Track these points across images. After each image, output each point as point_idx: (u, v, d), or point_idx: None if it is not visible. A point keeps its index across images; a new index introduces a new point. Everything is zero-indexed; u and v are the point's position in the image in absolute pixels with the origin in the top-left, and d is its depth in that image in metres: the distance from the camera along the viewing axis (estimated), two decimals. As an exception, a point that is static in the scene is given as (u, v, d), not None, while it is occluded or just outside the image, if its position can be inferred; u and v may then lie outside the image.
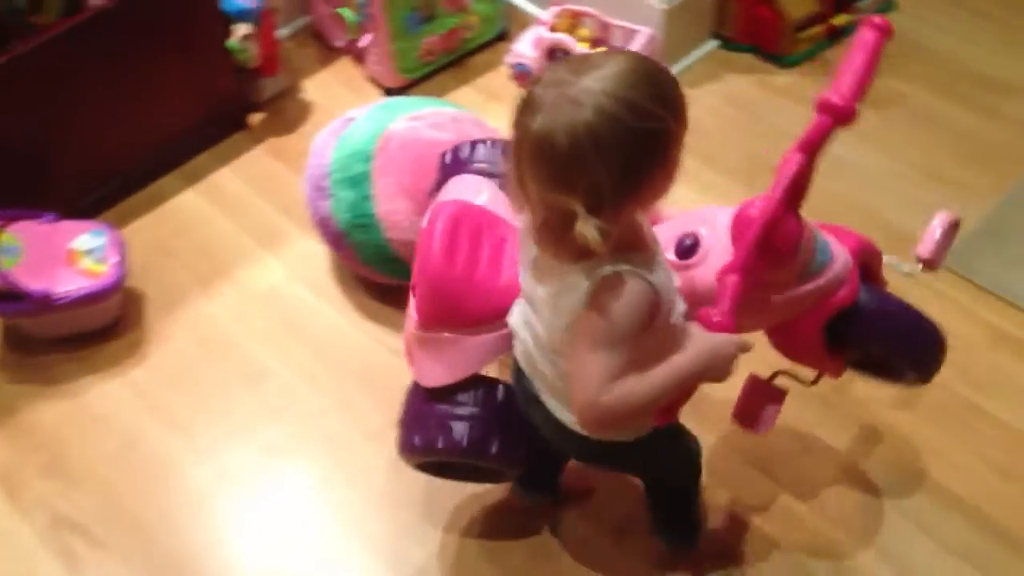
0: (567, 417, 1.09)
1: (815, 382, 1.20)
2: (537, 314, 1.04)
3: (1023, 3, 2.06)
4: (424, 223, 1.22)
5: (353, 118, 1.56)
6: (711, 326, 0.99)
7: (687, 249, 1.13)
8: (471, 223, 1.19)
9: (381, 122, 1.50)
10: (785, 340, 1.07)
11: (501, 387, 1.23)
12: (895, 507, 1.35)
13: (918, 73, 1.95)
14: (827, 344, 1.17)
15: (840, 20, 1.98)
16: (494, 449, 1.21)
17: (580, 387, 0.96)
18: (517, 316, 1.11)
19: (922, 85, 1.93)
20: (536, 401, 1.13)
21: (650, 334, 0.95)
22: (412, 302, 1.23)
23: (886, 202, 1.72)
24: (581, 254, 0.93)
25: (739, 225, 1.04)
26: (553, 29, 1.94)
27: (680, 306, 1.00)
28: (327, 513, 1.39)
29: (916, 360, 1.22)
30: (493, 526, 1.36)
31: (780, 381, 1.24)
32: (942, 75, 1.95)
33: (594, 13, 1.94)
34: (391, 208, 1.46)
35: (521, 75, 1.97)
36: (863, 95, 0.99)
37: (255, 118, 1.94)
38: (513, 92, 2.00)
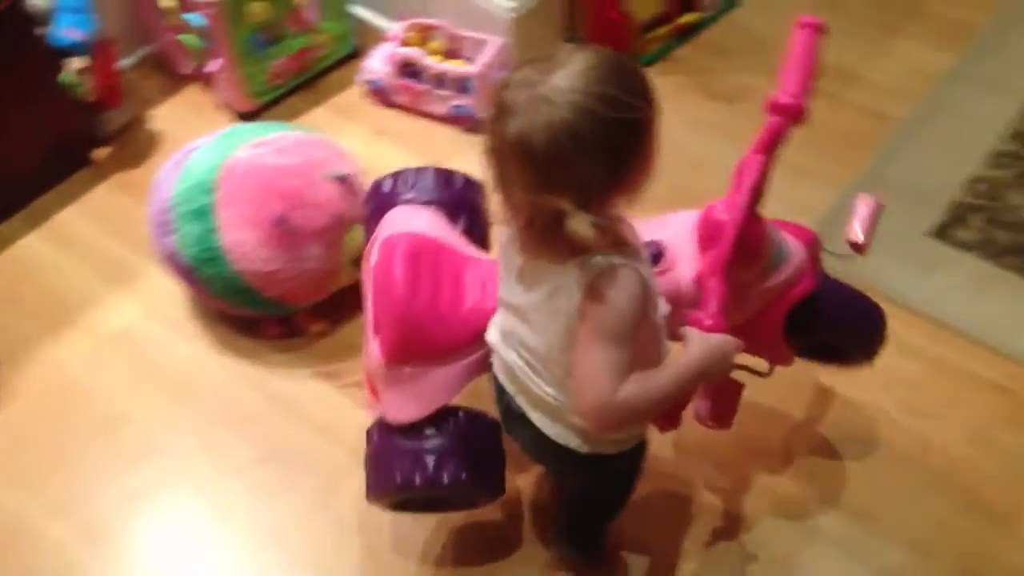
0: (554, 431, 1.07)
1: (769, 373, 1.22)
2: (527, 324, 1.02)
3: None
4: (373, 259, 1.20)
5: (196, 148, 1.51)
6: (705, 329, 1.01)
7: (654, 257, 1.12)
8: (427, 253, 1.18)
9: (223, 151, 1.46)
10: (747, 335, 1.09)
11: (462, 413, 1.21)
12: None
13: (762, 65, 1.97)
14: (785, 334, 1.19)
15: (687, 18, 2.01)
16: (473, 479, 1.19)
17: (591, 385, 0.94)
18: (495, 333, 1.10)
19: (767, 77, 1.94)
20: (519, 418, 1.10)
21: (639, 331, 0.96)
22: (372, 339, 1.19)
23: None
24: (572, 252, 0.92)
25: (708, 229, 1.07)
26: (404, 44, 1.92)
27: (663, 307, 1.02)
28: (200, 552, 1.35)
29: (864, 342, 1.29)
30: (390, 555, 1.34)
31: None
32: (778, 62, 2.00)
33: (444, 25, 1.93)
34: (237, 239, 1.42)
35: (375, 91, 1.95)
36: (810, 92, 1.03)
37: (101, 153, 1.87)
38: (368, 110, 1.99)
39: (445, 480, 1.18)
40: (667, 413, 1.02)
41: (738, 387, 1.13)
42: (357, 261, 1.37)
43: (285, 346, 1.57)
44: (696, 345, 0.99)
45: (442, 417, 1.19)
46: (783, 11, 2.15)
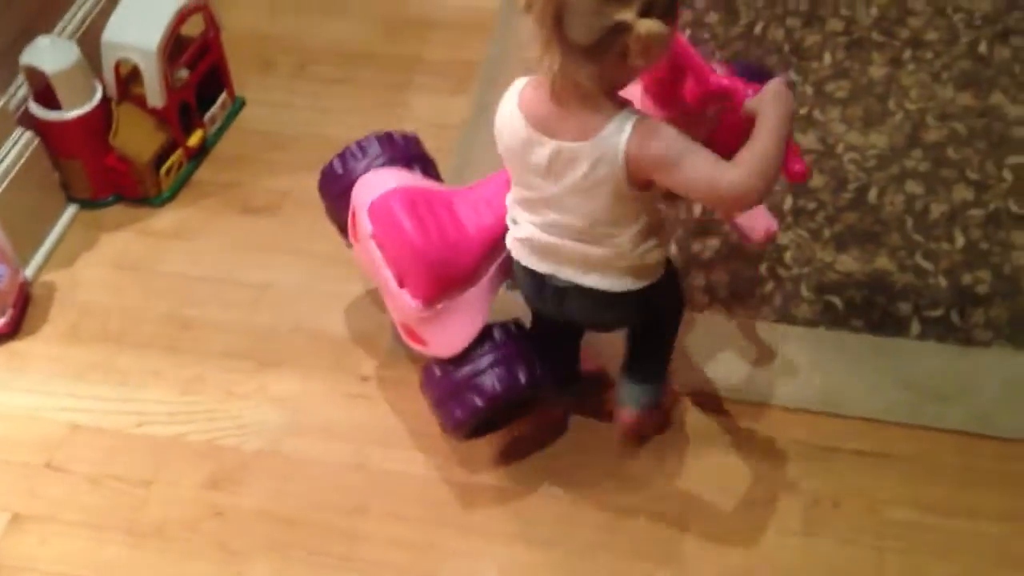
0: (609, 282, 1.22)
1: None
2: (563, 210, 1.18)
3: (360, 63, 2.07)
4: (367, 228, 1.35)
5: None
6: (740, 90, 1.19)
7: None
8: (418, 199, 1.32)
9: None
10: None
11: (496, 327, 1.34)
12: None
13: (291, 162, 1.88)
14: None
15: (194, 140, 1.84)
16: (545, 371, 1.34)
17: (716, 183, 1.11)
18: (527, 228, 1.23)
19: (302, 174, 1.83)
20: (569, 291, 1.25)
21: None
22: (398, 295, 1.33)
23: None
24: (613, 89, 1.12)
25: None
26: None
27: None
28: None
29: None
30: None
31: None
32: (315, 153, 1.86)
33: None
34: None
35: None
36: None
37: None
38: None
39: (523, 380, 1.31)
40: (788, 161, 1.15)
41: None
42: None
43: None
44: (763, 99, 1.15)
45: (484, 337, 1.33)
46: (291, 97, 2.09)
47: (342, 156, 1.48)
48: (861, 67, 1.98)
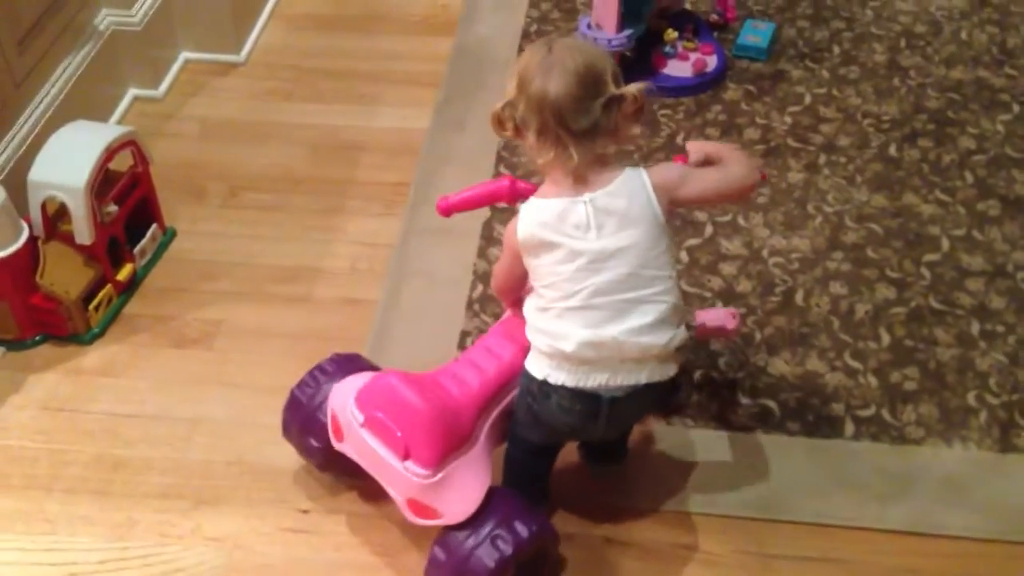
0: (664, 371, 1.35)
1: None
2: (611, 260, 1.30)
3: (291, 188, 2.09)
4: (358, 418, 1.38)
5: None
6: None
7: None
8: (405, 376, 1.37)
9: None
10: None
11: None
12: None
13: (223, 292, 1.87)
14: None
15: (124, 274, 1.82)
16: (543, 517, 1.40)
17: (723, 178, 1.39)
18: (570, 341, 1.31)
19: (237, 303, 1.85)
20: (619, 401, 1.34)
21: None
22: (402, 472, 1.35)
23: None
24: (621, 141, 1.35)
25: None
26: None
27: None
28: None
29: None
30: None
31: None
32: (248, 283, 1.89)
33: None
34: None
35: None
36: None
37: None
38: None
39: (526, 535, 1.33)
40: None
41: None
42: None
43: None
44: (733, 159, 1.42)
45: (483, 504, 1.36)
46: (219, 224, 2.09)
47: (301, 386, 1.51)
48: (780, 173, 2.06)
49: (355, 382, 1.44)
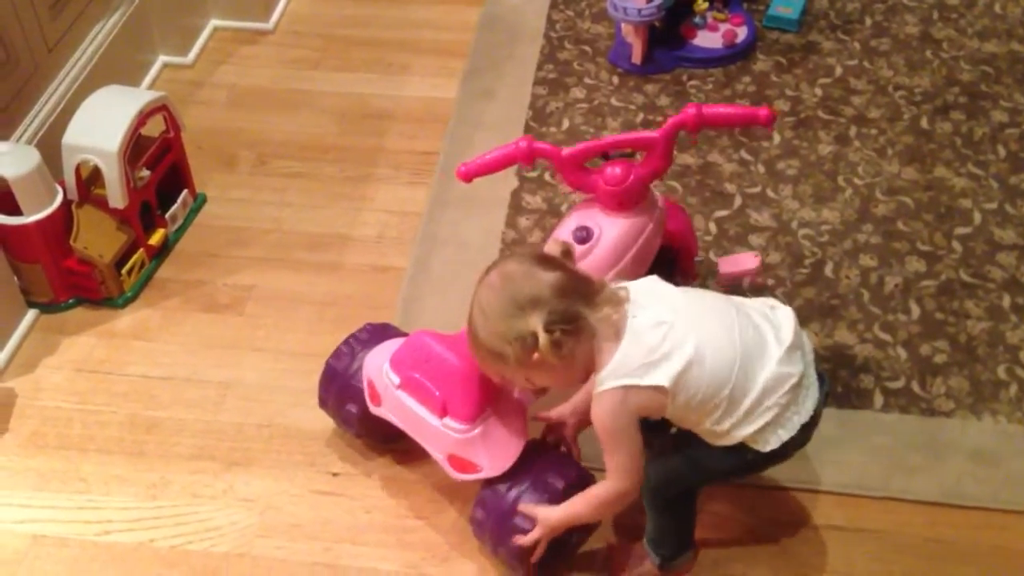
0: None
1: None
2: (744, 314, 1.27)
3: (320, 156, 2.10)
4: (395, 379, 1.39)
5: None
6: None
7: (582, 239, 1.45)
8: (434, 337, 1.39)
9: None
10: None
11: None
12: None
13: (252, 258, 1.88)
14: None
15: (156, 238, 1.84)
16: (570, 481, 1.36)
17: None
18: (778, 374, 1.24)
19: (267, 269, 1.87)
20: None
21: None
22: (441, 429, 1.37)
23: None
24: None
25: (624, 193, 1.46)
26: None
27: None
28: None
29: None
30: None
31: None
32: (278, 249, 1.91)
33: None
34: None
35: None
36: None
37: None
38: None
39: (561, 486, 1.35)
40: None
41: None
42: None
43: None
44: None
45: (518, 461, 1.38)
46: (249, 191, 2.10)
47: (337, 354, 1.52)
48: (809, 145, 2.04)
49: (389, 347, 1.46)
